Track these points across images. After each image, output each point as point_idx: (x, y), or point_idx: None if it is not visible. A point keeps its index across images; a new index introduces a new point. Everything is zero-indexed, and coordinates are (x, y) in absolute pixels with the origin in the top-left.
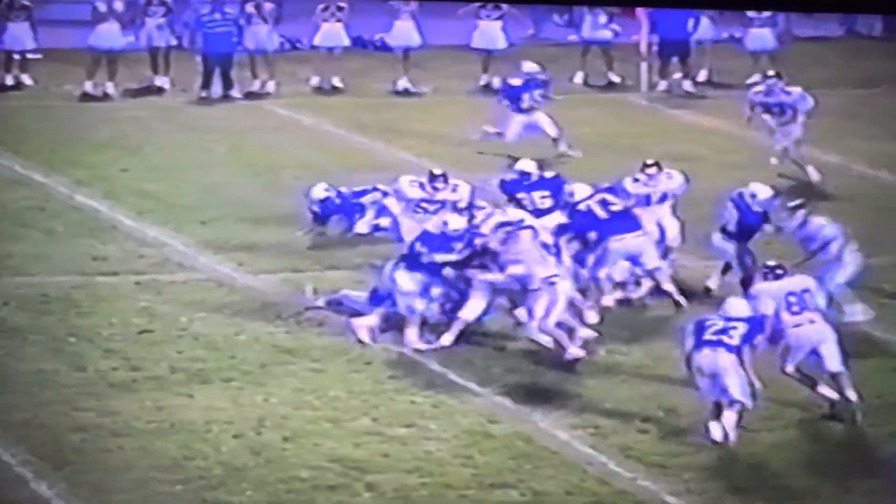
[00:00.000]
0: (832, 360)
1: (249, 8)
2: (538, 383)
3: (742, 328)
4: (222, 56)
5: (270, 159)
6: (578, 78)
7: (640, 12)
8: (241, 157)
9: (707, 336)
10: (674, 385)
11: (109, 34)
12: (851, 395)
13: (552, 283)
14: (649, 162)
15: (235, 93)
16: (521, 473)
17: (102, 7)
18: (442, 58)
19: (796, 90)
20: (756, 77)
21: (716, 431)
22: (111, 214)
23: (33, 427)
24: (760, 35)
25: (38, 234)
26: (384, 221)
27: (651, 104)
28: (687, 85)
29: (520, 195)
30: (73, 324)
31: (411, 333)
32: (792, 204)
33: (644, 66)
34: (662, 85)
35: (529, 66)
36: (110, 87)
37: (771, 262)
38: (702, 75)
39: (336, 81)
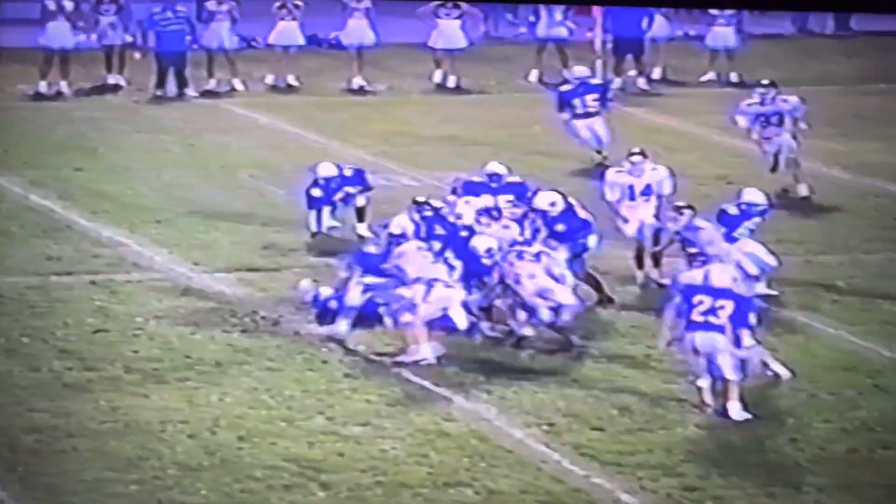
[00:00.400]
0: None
1: (212, 5)
2: (493, 382)
3: (729, 307)
4: (175, 54)
5: (226, 159)
6: (533, 76)
7: (596, 9)
8: (196, 157)
9: (695, 317)
10: (627, 383)
11: (60, 33)
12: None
13: (430, 285)
14: (634, 150)
15: (190, 91)
16: (475, 472)
17: (52, 5)
18: (397, 56)
19: (793, 98)
20: (756, 92)
21: (734, 411)
22: (66, 214)
23: None
24: (722, 33)
25: None
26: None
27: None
28: (641, 83)
29: (483, 196)
30: (27, 324)
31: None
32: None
33: (599, 63)
34: (617, 83)
35: (580, 70)
36: (64, 87)
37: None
38: (656, 73)
39: (291, 80)
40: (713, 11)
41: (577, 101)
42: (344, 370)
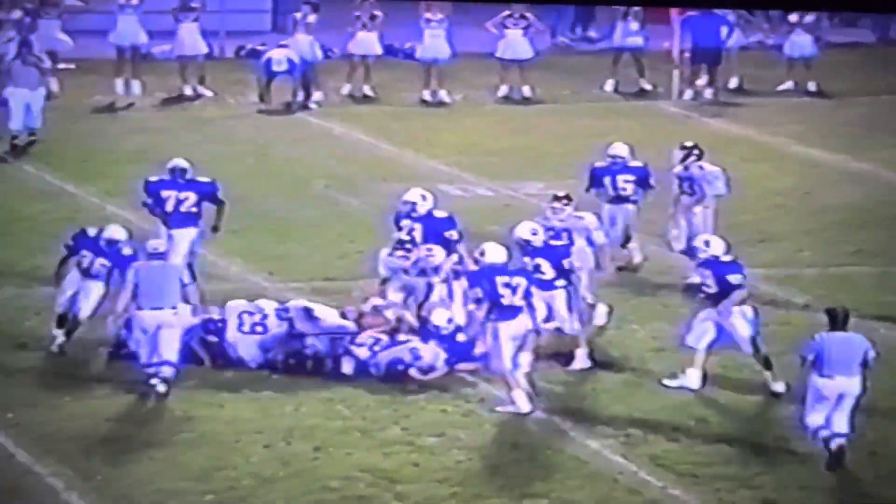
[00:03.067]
0: None
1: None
2: (568, 393)
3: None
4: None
5: (300, 169)
6: (609, 86)
7: (674, 19)
8: (270, 167)
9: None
10: (702, 394)
11: (131, 29)
12: None
13: None
14: (559, 195)
15: (313, 102)
16: (551, 483)
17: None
18: (470, 67)
19: (713, 169)
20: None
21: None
22: (141, 225)
23: (63, 438)
24: (801, 42)
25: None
26: None
27: (681, 112)
28: (708, 94)
29: (403, 223)
30: (103, 335)
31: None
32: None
33: (676, 73)
34: (688, 94)
35: (617, 148)
36: (137, 87)
37: None
38: (732, 83)
39: (367, 90)
40: (792, 19)
41: (607, 181)
42: (418, 379)
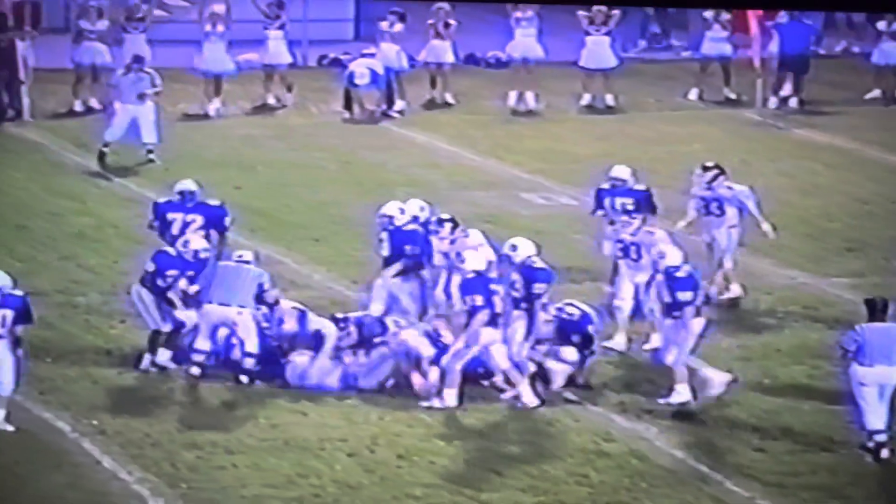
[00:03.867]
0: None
1: (385, 26)
2: (653, 400)
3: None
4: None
5: (382, 177)
6: (693, 94)
7: (754, 26)
8: (352, 175)
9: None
10: (791, 403)
11: (216, 57)
12: None
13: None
14: (629, 207)
15: (395, 111)
16: (636, 492)
17: (208, 27)
18: (553, 74)
19: (742, 188)
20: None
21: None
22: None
23: (148, 445)
24: (889, 50)
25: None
26: None
27: (766, 120)
28: (794, 102)
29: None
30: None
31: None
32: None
33: (759, 81)
34: (773, 102)
35: (617, 171)
36: (216, 104)
37: None
38: (816, 91)
39: (449, 98)
40: (880, 27)
41: (607, 202)
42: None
